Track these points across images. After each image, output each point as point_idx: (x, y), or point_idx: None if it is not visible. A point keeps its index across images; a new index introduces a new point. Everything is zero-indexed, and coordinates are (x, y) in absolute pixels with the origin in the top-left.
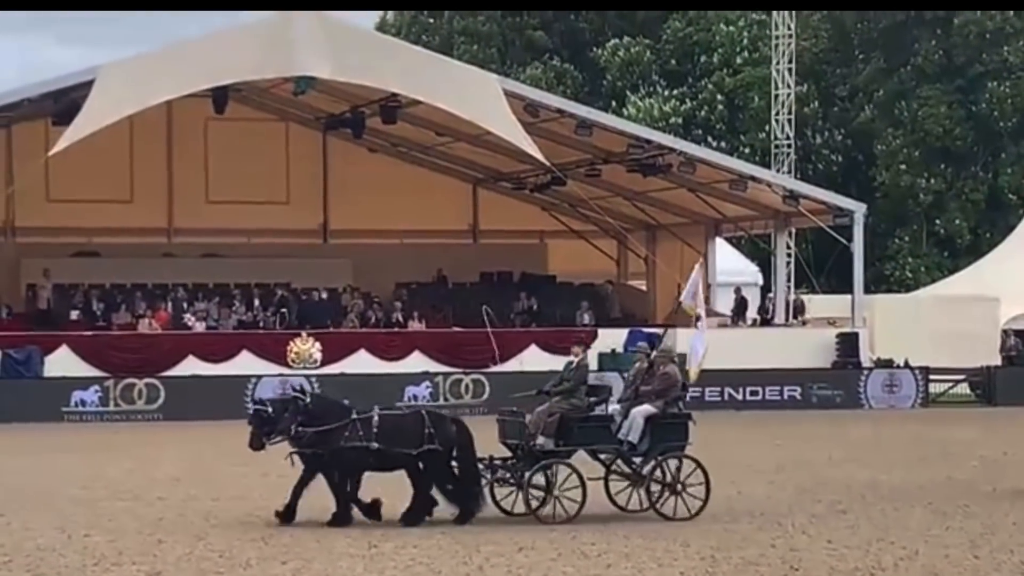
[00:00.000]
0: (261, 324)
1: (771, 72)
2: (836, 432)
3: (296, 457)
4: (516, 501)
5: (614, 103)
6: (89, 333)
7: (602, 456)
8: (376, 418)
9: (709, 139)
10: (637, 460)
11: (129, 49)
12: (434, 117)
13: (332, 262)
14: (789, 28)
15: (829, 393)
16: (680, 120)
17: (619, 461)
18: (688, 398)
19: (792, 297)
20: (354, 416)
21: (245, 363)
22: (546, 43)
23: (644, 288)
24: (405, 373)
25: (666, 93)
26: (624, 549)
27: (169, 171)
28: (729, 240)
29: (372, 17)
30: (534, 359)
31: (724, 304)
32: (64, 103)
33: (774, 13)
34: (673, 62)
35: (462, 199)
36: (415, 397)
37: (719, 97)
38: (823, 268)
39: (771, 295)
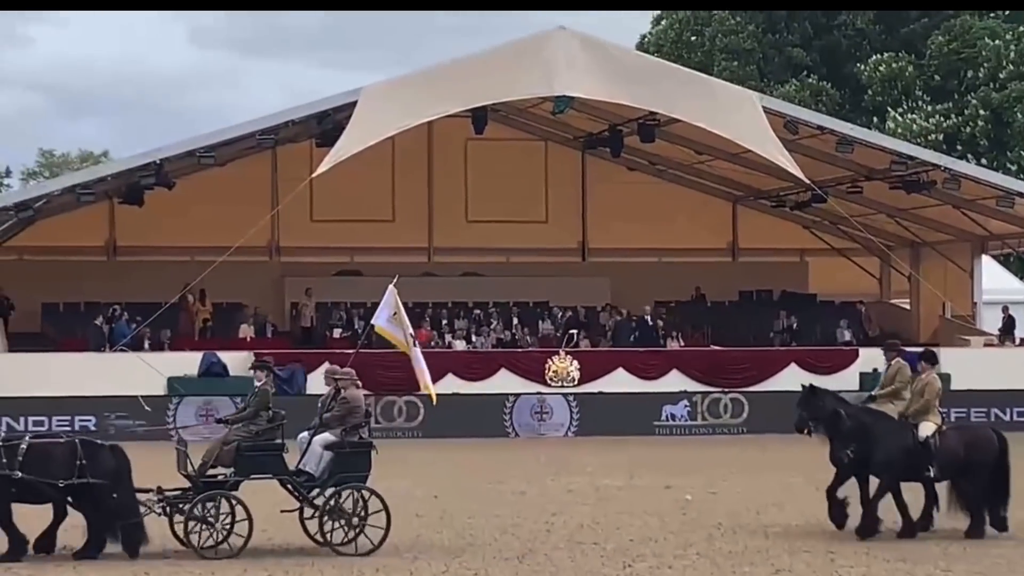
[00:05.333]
0: (519, 343)
1: None
2: None
3: None
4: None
5: (875, 119)
6: (350, 351)
7: (289, 486)
8: (24, 446)
9: (969, 156)
10: (315, 491)
11: (387, 73)
12: (693, 135)
13: (591, 280)
14: None
15: None
16: (940, 136)
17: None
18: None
19: None
20: None
21: (503, 382)
22: (805, 60)
23: (907, 307)
24: (663, 392)
25: (928, 108)
26: (883, 573)
27: (429, 191)
28: (996, 258)
29: (633, 36)
30: (795, 378)
31: (991, 323)
32: (327, 124)
33: None
34: (937, 77)
35: (721, 217)
36: (672, 416)
37: (983, 112)
38: None
39: None
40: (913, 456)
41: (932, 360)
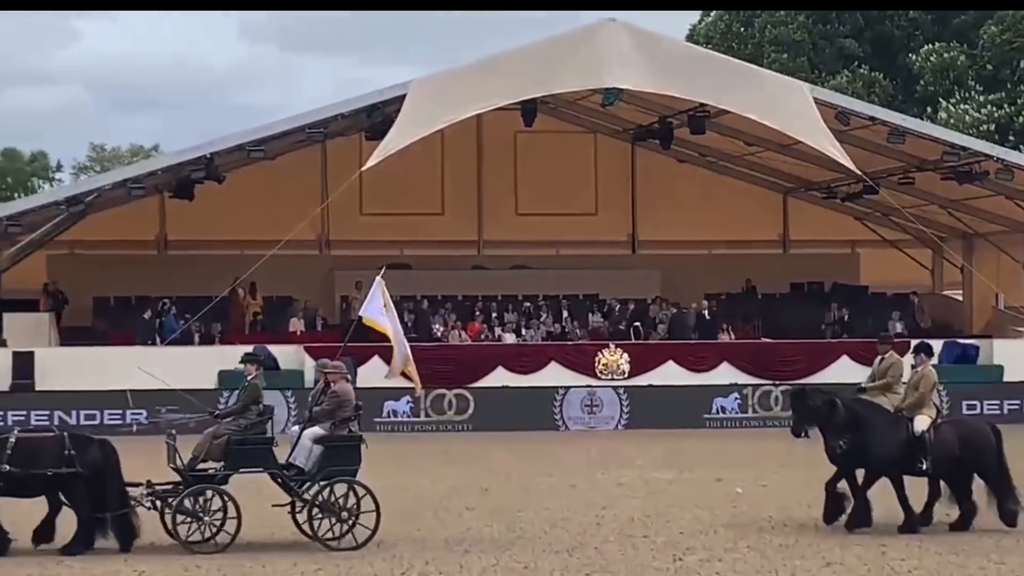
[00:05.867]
0: (569, 335)
1: None
2: None
3: None
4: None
5: (929, 109)
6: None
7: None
8: (12, 440)
9: (1022, 146)
10: (305, 484)
11: (434, 67)
12: (743, 127)
13: (640, 273)
14: None
15: None
16: (993, 126)
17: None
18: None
19: None
20: None
21: (553, 375)
22: (856, 50)
23: (960, 298)
24: (713, 385)
25: (981, 99)
26: (937, 566)
27: (479, 184)
28: None
29: (682, 27)
30: (845, 370)
31: None
32: (377, 118)
33: None
34: (989, 67)
35: (772, 209)
36: (723, 409)
37: None
38: None
39: None
40: (907, 449)
41: (928, 352)
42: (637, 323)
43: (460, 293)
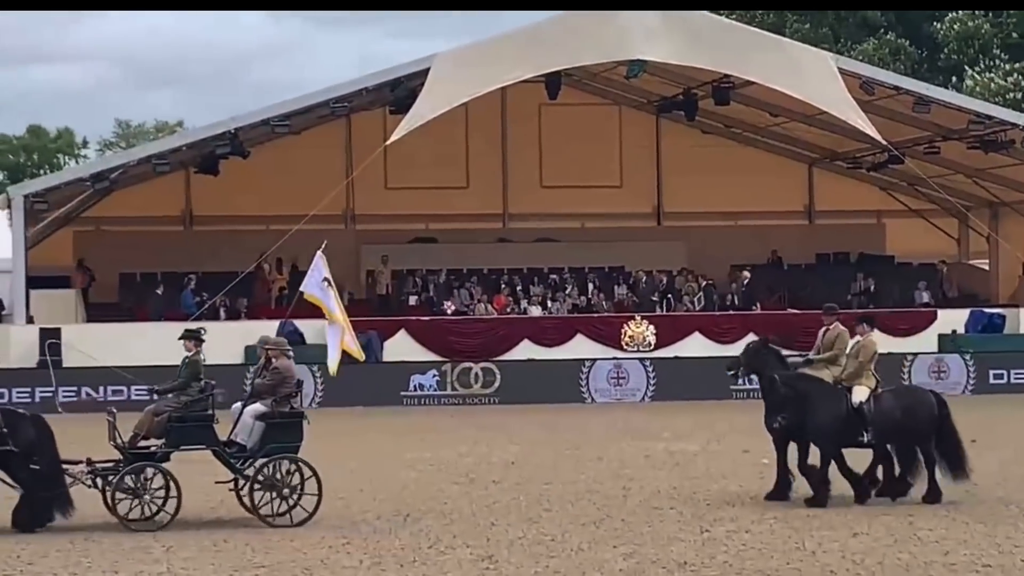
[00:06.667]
0: (595, 308)
1: None
2: None
3: None
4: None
5: (954, 78)
6: (426, 318)
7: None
8: None
9: None
10: (247, 461)
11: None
12: (768, 97)
13: (666, 245)
14: None
15: None
16: (1019, 95)
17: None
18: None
19: None
20: None
21: (579, 347)
22: (879, 20)
23: (986, 267)
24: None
25: (1006, 67)
26: (963, 535)
27: (503, 157)
28: None
29: None
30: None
31: None
32: (401, 92)
33: None
34: (1015, 35)
35: (797, 179)
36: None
37: None
38: None
39: None
40: (847, 422)
41: (871, 324)
42: (669, 295)
43: (486, 266)
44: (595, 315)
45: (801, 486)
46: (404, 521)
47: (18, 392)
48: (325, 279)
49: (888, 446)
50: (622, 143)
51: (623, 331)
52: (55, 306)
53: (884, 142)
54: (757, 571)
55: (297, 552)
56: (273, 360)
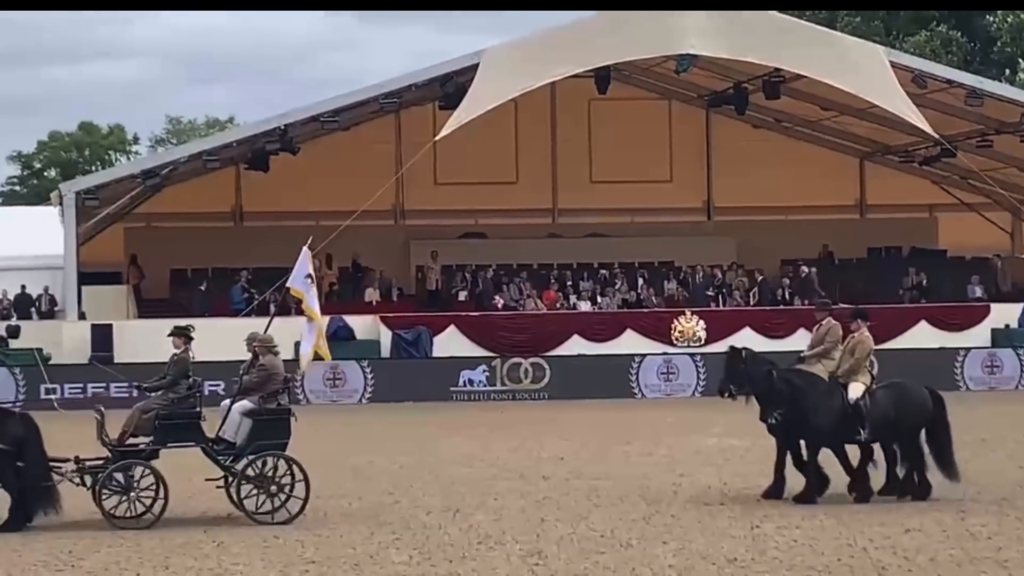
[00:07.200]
0: (644, 303)
1: None
2: None
3: None
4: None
5: (1007, 71)
6: (476, 313)
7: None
8: None
9: None
10: (234, 458)
11: (507, 35)
12: (818, 91)
13: (716, 239)
14: None
15: None
16: None
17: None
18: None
19: None
20: None
21: (629, 342)
22: (931, 12)
23: None
24: (790, 351)
25: None
26: (1017, 532)
27: (553, 152)
28: None
29: None
30: (924, 336)
31: None
32: (450, 87)
33: None
34: None
35: (848, 173)
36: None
37: None
38: None
39: None
40: (844, 419)
41: (864, 318)
42: (722, 290)
43: (535, 262)
44: (645, 310)
45: (796, 484)
46: (454, 517)
47: (70, 388)
48: (308, 275)
49: (888, 444)
50: (672, 137)
51: (673, 326)
52: (107, 302)
53: (936, 136)
54: (808, 567)
55: (347, 548)
56: (260, 356)
